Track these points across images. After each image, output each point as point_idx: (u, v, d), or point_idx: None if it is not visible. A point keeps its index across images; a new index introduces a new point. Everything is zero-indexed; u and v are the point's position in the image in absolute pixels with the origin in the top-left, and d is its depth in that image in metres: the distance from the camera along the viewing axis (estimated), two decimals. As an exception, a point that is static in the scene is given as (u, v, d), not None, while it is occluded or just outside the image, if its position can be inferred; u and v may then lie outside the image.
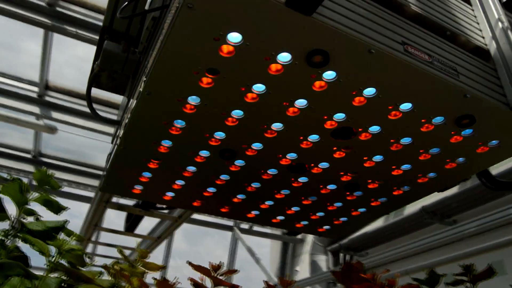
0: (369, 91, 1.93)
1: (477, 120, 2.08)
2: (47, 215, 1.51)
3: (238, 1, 1.56)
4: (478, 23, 2.32)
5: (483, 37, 2.26)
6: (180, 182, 2.57)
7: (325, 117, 2.06)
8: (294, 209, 2.86)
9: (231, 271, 1.80)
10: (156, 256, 10.28)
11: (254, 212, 2.91)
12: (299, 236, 11.58)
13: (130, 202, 4.69)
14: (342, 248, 9.96)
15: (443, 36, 2.09)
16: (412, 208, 6.99)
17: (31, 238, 1.30)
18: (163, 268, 1.60)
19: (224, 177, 2.51)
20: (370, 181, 2.57)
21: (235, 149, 2.27)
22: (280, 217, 2.97)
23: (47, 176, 1.34)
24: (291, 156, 2.34)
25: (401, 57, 1.80)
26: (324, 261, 10.36)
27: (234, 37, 1.68)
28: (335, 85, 1.88)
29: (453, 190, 6.00)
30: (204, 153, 2.31)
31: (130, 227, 4.80)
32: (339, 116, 2.06)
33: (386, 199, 2.76)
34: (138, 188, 2.62)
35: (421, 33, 1.98)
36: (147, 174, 2.49)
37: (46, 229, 1.36)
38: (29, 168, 8.51)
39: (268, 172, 2.47)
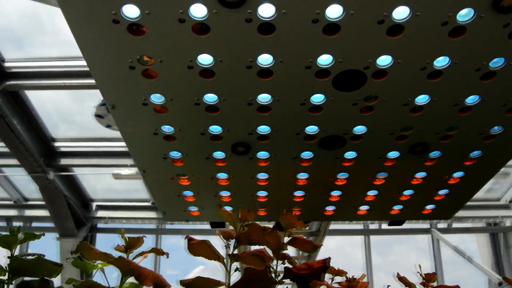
0: (333, 13, 1.34)
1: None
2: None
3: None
4: None
5: None
6: (225, 194, 2.22)
7: (309, 66, 1.51)
8: (371, 193, 2.21)
9: None
10: (355, 273, 9.60)
11: (328, 208, 2.34)
12: (508, 224, 9.56)
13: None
14: None
15: None
16: None
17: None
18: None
19: (262, 176, 2.07)
20: (438, 134, 1.81)
21: (244, 140, 1.85)
22: (363, 207, 2.33)
23: (292, 219, 1.27)
24: (312, 130, 1.79)
25: None
26: (551, 246, 8.24)
27: (131, 11, 1.34)
28: (282, 18, 1.35)
29: None
30: (220, 155, 1.94)
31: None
32: (323, 59, 1.49)
33: (480, 152, 1.91)
34: (194, 210, 2.35)
35: None
36: (188, 193, 2.21)
37: (312, 270, 1.25)
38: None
39: (303, 157, 1.94)
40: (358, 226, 9.70)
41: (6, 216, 6.80)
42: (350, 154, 1.93)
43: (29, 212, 7.01)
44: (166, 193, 2.20)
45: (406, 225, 9.44)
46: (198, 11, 1.34)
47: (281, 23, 1.37)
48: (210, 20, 1.36)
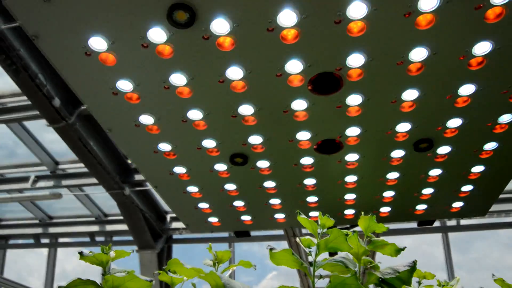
0: (286, 19, 1.31)
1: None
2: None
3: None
4: None
5: None
6: (239, 203, 2.23)
7: (279, 74, 1.49)
8: (388, 194, 2.09)
9: None
10: (436, 273, 9.03)
11: (348, 212, 2.25)
12: None
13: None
14: None
15: None
16: None
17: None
18: None
19: (269, 184, 2.06)
20: (439, 128, 1.68)
21: (240, 151, 1.85)
22: (384, 209, 2.21)
23: (372, 221, 1.20)
24: (304, 136, 1.75)
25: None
26: None
27: (98, 43, 1.42)
28: (237, 31, 1.35)
29: None
30: (221, 167, 1.96)
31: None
32: (291, 65, 1.46)
33: (496, 144, 1.74)
34: (215, 221, 2.38)
35: None
36: (204, 205, 2.25)
37: (399, 274, 1.17)
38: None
39: (303, 163, 1.90)
40: (435, 223, 9.13)
41: (89, 232, 7.33)
42: (351, 157, 1.85)
43: (109, 227, 7.48)
44: (183, 206, 2.27)
45: (487, 220, 8.74)
46: (157, 35, 1.38)
47: (238, 36, 1.36)
48: (170, 41, 1.39)
